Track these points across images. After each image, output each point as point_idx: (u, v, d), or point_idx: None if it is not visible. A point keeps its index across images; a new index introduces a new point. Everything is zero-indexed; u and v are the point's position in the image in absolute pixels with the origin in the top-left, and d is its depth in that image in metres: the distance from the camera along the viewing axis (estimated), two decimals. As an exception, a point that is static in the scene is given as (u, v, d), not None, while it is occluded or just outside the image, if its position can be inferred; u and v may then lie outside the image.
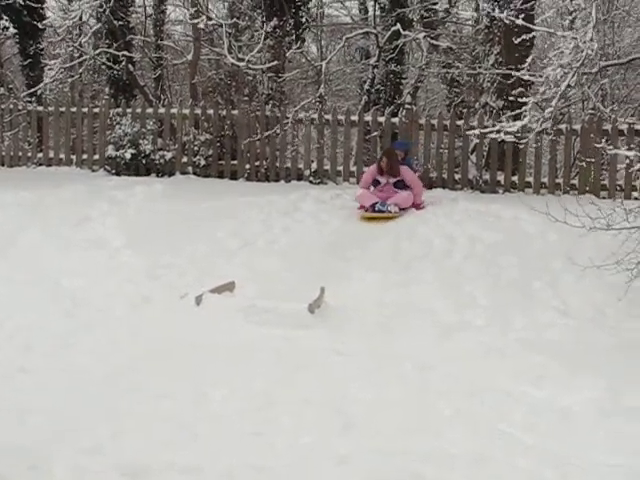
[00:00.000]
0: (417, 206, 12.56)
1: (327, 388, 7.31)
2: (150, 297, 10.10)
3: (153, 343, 8.52)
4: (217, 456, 5.94)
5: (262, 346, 8.39)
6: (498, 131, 10.46)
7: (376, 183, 12.88)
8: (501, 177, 13.74)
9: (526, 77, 10.92)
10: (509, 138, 10.48)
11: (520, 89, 12.42)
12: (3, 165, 15.61)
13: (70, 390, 7.24)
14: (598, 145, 10.62)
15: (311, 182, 14.38)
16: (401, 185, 12.69)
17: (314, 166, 14.60)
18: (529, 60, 11.29)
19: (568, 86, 9.98)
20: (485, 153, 14.28)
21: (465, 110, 15.59)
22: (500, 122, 10.84)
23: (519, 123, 10.22)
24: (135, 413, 6.74)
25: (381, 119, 14.48)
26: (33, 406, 6.80)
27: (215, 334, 8.63)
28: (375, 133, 14.43)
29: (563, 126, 13.38)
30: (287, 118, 14.41)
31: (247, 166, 14.72)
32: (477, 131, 11.78)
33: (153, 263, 10.95)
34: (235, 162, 14.80)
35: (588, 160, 12.89)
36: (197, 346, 8.36)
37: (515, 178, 13.69)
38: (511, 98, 12.18)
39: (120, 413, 6.73)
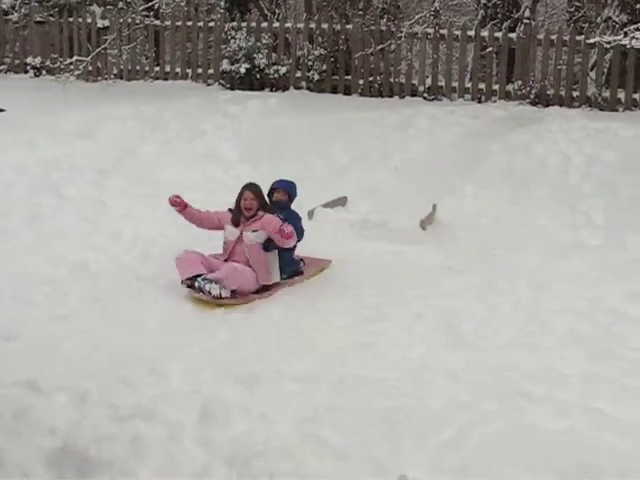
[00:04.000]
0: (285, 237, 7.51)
1: (437, 304, 7.33)
2: (264, 211, 10.19)
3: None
4: (329, 366, 6.03)
5: (373, 261, 8.43)
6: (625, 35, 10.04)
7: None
8: (622, 94, 13.34)
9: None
10: (637, 43, 10.04)
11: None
12: (122, 78, 15.84)
13: (185, 299, 7.43)
14: None
15: (425, 98, 14.22)
16: (272, 246, 7.70)
17: (428, 82, 14.42)
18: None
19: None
20: (605, 70, 13.87)
21: (586, 25, 15.11)
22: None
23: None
24: (253, 323, 6.90)
25: (498, 34, 14.18)
26: (149, 315, 7.01)
27: (327, 248, 8.69)
28: (490, 49, 14.13)
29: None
30: (401, 32, 14.22)
31: (361, 81, 14.62)
32: (600, 38, 11.32)
33: (266, 177, 11.01)
34: (349, 77, 14.72)
35: None
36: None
37: (637, 96, 13.28)
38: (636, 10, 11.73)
39: (233, 324, 6.89)
